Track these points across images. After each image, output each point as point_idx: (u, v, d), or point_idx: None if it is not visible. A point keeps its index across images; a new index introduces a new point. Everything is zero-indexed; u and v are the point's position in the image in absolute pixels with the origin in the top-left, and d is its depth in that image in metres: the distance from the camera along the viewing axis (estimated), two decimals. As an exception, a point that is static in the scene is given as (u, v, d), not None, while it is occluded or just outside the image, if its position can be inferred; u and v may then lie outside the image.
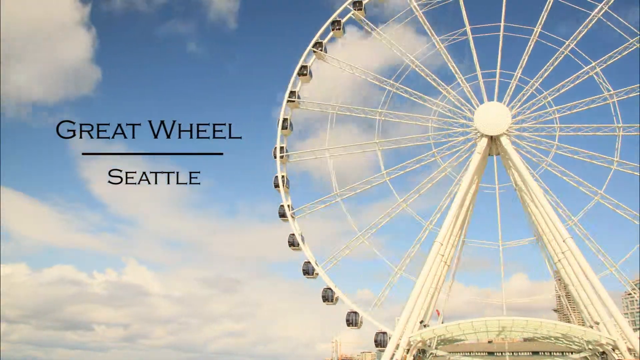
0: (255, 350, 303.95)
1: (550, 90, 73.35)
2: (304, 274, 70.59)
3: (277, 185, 74.76)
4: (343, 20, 77.69)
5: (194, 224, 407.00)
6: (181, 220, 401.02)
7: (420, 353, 68.12)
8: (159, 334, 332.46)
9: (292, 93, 77.60)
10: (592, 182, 70.97)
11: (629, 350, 57.04)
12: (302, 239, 72.47)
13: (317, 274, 70.40)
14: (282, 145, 76.54)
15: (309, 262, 71.08)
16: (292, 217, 73.59)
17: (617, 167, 70.34)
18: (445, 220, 69.87)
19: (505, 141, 71.79)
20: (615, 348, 58.01)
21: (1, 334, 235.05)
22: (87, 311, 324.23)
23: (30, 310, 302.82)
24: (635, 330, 59.83)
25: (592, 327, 60.96)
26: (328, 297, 68.86)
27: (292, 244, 72.11)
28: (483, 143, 72.63)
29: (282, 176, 75.15)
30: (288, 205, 73.82)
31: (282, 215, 73.56)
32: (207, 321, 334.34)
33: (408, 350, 62.70)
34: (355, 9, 77.29)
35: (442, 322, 73.79)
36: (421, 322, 66.58)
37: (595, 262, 67.70)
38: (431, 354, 67.51)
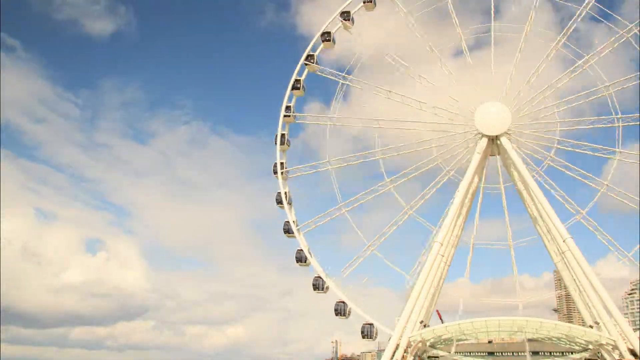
0: (256, 350, 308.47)
1: (547, 86, 72.25)
2: (314, 289, 69.80)
3: (279, 202, 74.75)
4: (333, 32, 76.44)
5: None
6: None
7: (421, 353, 70.18)
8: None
9: (288, 108, 77.36)
10: (597, 174, 71.00)
11: (629, 350, 58.61)
12: (310, 254, 72.27)
13: (327, 288, 69.85)
14: (281, 161, 76.74)
15: (319, 277, 70.29)
16: (299, 232, 73.42)
17: (620, 158, 70.02)
18: (445, 220, 70.60)
19: (505, 141, 71.57)
20: (615, 348, 59.74)
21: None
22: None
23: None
24: (635, 330, 61.03)
25: (592, 327, 62.53)
26: (340, 310, 68.15)
27: (300, 259, 71.56)
28: (483, 143, 72.50)
29: (285, 192, 75.14)
30: (293, 221, 73.91)
31: (287, 231, 73.34)
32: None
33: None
34: (343, 20, 75.92)
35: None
36: (421, 322, 67.00)
37: (607, 254, 68.43)
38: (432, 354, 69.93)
